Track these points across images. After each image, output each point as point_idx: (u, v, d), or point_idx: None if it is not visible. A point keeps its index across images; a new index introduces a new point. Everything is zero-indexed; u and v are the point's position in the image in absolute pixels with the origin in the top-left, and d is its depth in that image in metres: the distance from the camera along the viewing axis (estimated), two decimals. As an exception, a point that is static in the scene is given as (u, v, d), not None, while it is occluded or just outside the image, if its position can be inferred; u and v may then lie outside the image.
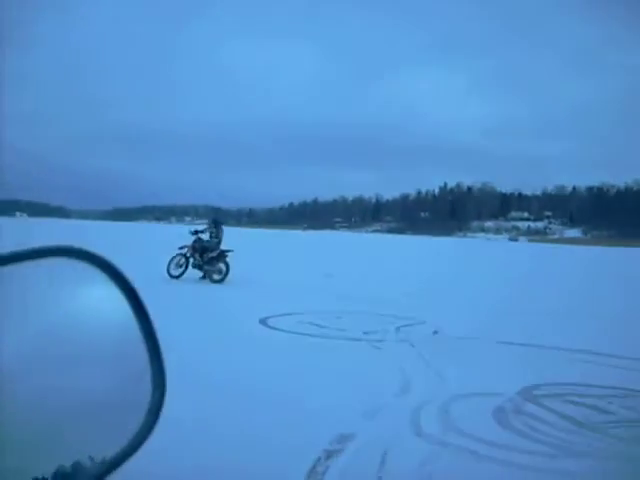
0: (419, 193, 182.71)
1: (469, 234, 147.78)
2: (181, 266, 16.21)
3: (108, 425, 0.85)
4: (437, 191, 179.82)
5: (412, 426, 5.10)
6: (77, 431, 0.82)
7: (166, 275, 16.09)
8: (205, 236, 16.90)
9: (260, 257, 30.86)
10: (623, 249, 75.93)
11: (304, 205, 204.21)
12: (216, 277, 16.18)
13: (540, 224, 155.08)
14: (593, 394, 6.35)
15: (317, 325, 10.13)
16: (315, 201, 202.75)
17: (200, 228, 17.31)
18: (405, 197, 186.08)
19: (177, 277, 15.99)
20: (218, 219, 18.23)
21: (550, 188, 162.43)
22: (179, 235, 18.63)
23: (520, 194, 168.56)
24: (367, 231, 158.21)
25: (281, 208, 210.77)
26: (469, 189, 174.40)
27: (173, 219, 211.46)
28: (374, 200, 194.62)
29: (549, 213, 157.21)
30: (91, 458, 0.81)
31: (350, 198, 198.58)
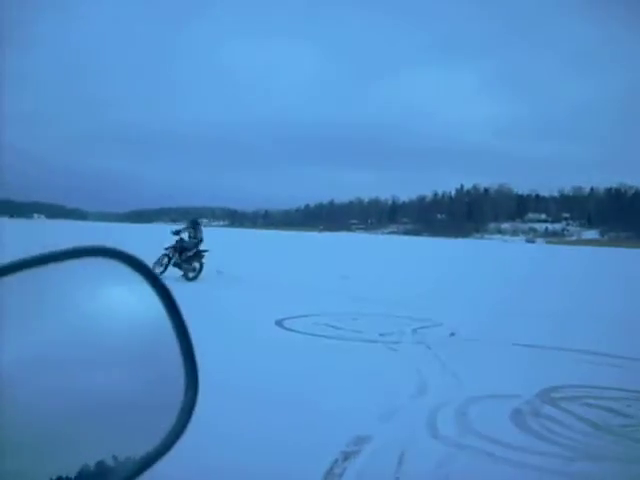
0: (435, 195, 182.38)
1: (486, 236, 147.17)
2: (162, 265, 16.67)
3: (139, 425, 0.86)
4: (453, 193, 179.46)
5: (429, 428, 5.10)
6: (106, 431, 0.84)
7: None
8: (186, 236, 17.64)
9: (276, 259, 30.93)
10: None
11: (320, 207, 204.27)
12: (190, 275, 16.80)
13: (558, 226, 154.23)
14: (611, 397, 6.31)
15: (333, 327, 10.14)
16: (331, 203, 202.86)
17: (180, 228, 18.01)
18: (422, 199, 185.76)
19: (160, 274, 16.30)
20: (197, 220, 19.00)
21: (567, 189, 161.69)
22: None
23: (537, 195, 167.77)
24: (383, 233, 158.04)
25: (297, 210, 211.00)
26: (486, 191, 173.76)
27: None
28: (390, 202, 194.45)
29: (567, 215, 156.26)
30: (115, 458, 0.82)
31: (366, 200, 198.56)
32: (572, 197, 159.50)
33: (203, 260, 17.05)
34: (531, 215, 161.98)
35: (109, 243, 0.91)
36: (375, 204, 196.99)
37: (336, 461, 4.31)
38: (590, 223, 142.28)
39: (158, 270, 16.22)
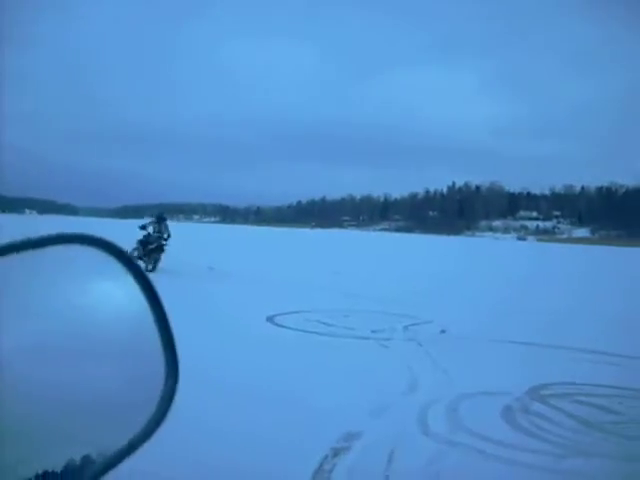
0: (427, 192, 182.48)
1: (477, 233, 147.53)
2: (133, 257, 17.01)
3: (120, 418, 0.85)
4: (445, 190, 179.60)
5: (419, 425, 5.10)
6: (88, 425, 0.82)
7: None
8: (151, 230, 18.42)
9: (267, 255, 30.92)
10: (630, 249, 75.49)
11: (312, 203, 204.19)
12: (149, 267, 17.27)
13: (549, 223, 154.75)
14: (602, 394, 6.33)
15: (325, 323, 10.14)
16: (323, 200, 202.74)
17: (147, 223, 18.89)
18: (413, 196, 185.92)
19: None
20: (162, 215, 19.54)
21: (558, 188, 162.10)
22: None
23: (529, 194, 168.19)
24: (375, 230, 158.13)
25: (289, 206, 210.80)
26: (477, 188, 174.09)
27: (181, 217, 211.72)
28: (382, 199, 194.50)
29: (558, 213, 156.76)
30: (101, 453, 0.81)
31: (358, 197, 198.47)
32: (563, 195, 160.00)
33: (162, 253, 17.89)
34: (522, 213, 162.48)
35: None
36: (367, 201, 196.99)
37: (326, 457, 4.30)
38: (581, 221, 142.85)
39: None
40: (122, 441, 0.83)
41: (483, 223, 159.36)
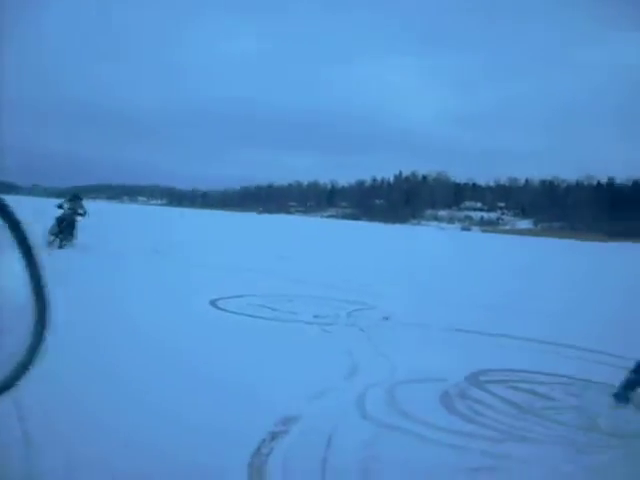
0: (374, 180, 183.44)
1: (423, 222, 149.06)
2: (53, 234, 18.01)
3: None
4: (392, 179, 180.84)
5: (358, 409, 5.12)
6: None
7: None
8: (66, 208, 19.01)
9: (213, 239, 30.70)
10: (572, 242, 77.33)
11: (259, 189, 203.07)
12: (63, 243, 18.05)
13: (493, 215, 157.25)
14: (537, 381, 6.46)
15: (268, 308, 10.10)
16: (270, 185, 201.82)
17: (62, 202, 19.39)
18: (360, 183, 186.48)
19: (49, 245, 17.33)
20: (77, 195, 20.39)
21: (503, 180, 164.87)
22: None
23: (474, 185, 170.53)
24: (322, 216, 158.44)
25: (236, 191, 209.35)
26: (424, 178, 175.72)
27: (126, 199, 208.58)
28: (329, 186, 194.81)
29: (502, 204, 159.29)
30: None
31: (305, 183, 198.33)
32: (508, 187, 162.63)
33: (74, 230, 18.61)
34: (467, 203, 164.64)
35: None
36: (314, 188, 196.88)
37: (263, 441, 4.29)
38: (524, 213, 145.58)
39: (50, 238, 17.66)
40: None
41: (429, 212, 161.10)
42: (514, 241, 72.05)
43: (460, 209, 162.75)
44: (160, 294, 10.81)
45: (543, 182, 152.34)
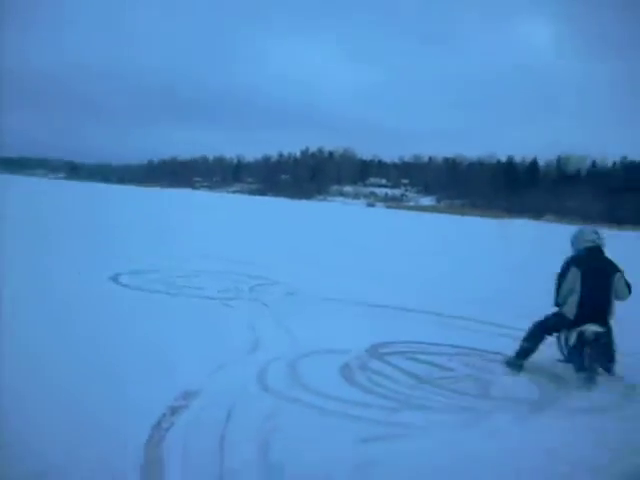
0: (281, 155, 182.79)
1: (328, 198, 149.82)
2: None
3: None
4: (299, 155, 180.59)
5: (259, 382, 5.17)
6: None
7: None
8: None
9: (115, 214, 29.99)
10: (471, 219, 79.62)
11: (163, 163, 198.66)
12: None
13: (397, 191, 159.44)
14: (436, 352, 6.67)
15: (173, 284, 9.97)
16: (174, 159, 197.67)
17: None
18: (267, 159, 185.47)
19: None
20: None
21: (408, 157, 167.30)
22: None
23: (380, 161, 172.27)
24: (228, 191, 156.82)
25: (140, 165, 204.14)
26: (330, 154, 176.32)
27: (26, 172, 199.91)
28: (235, 161, 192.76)
29: (406, 181, 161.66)
30: None
31: (211, 158, 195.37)
32: (412, 164, 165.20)
33: None
34: (372, 180, 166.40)
35: None
36: (220, 162, 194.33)
37: (164, 415, 4.28)
38: (427, 190, 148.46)
39: None
40: None
41: (334, 188, 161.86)
42: (417, 217, 73.60)
43: (365, 185, 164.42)
44: (55, 267, 10.49)
45: (446, 160, 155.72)
